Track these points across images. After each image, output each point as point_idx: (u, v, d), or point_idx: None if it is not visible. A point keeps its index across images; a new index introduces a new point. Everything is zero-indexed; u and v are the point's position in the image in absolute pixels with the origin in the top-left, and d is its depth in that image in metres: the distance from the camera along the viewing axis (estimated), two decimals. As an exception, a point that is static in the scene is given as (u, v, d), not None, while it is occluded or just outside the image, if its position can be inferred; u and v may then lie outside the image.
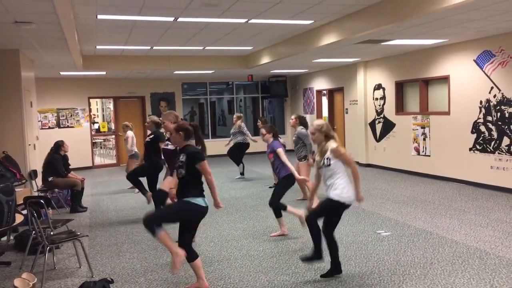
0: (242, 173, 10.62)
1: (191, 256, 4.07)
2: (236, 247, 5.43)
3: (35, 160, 8.79)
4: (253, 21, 7.01)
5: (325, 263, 4.51)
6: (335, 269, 4.35)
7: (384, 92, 11.27)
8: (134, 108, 14.62)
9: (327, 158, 4.23)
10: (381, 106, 11.41)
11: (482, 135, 8.43)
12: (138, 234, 6.18)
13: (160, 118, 7.11)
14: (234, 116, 10.70)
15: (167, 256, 5.20)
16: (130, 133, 9.97)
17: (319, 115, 14.53)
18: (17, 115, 7.74)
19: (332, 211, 4.29)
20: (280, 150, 5.63)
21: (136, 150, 10.02)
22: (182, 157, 4.02)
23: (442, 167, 9.44)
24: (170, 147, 5.61)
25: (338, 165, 4.23)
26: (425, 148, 9.91)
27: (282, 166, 5.59)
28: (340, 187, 4.20)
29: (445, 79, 9.33)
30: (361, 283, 4.19)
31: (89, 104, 14.14)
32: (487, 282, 4.08)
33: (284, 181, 5.62)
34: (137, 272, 4.73)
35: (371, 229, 6.00)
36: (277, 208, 5.63)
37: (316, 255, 4.40)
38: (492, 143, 8.23)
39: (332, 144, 4.25)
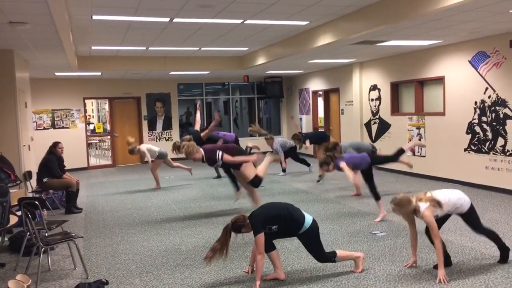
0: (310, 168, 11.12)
1: (270, 247, 4.27)
2: (232, 247, 5.41)
3: (30, 161, 8.76)
4: (248, 21, 7.01)
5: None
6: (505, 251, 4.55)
7: (379, 93, 11.30)
8: (129, 109, 14.59)
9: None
10: (376, 107, 11.44)
11: (477, 135, 8.46)
12: (134, 235, 6.17)
13: None
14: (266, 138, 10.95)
15: (162, 257, 5.19)
16: (142, 147, 9.74)
17: (315, 116, 14.56)
18: (12, 116, 7.70)
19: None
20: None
21: (158, 149, 9.85)
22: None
23: (437, 168, 9.47)
24: None
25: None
26: (420, 148, 9.94)
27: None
28: (454, 208, 4.34)
29: (440, 80, 9.37)
30: (357, 283, 4.19)
31: (84, 105, 14.10)
32: (482, 282, 4.09)
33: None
34: (133, 273, 4.71)
35: (366, 229, 6.01)
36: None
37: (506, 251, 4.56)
38: (487, 143, 8.27)
39: (421, 211, 4.23)
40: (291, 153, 10.87)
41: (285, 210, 4.31)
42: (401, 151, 6.64)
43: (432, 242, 4.41)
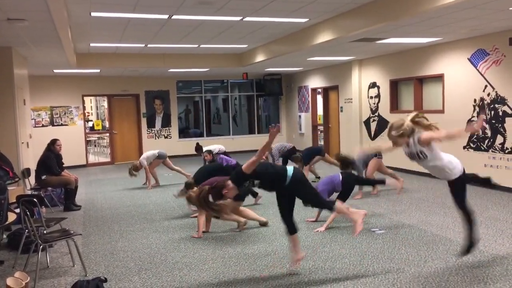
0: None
1: (293, 229, 4.36)
2: (231, 245, 5.42)
3: (28, 158, 8.74)
4: (248, 19, 6.99)
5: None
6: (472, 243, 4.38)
7: (378, 91, 11.29)
8: (128, 106, 14.57)
9: (420, 152, 4.13)
10: (375, 105, 11.43)
11: (476, 133, 8.46)
12: (132, 233, 6.16)
13: None
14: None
15: (161, 254, 5.19)
16: (142, 162, 9.55)
17: (314, 114, 14.54)
18: (10, 113, 7.68)
19: (465, 186, 4.35)
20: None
21: (157, 151, 9.80)
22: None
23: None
24: None
25: (434, 151, 4.15)
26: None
27: None
28: (452, 167, 4.20)
29: (439, 78, 9.36)
30: (356, 281, 4.19)
31: (83, 102, 14.08)
32: (480, 280, 4.10)
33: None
34: (131, 270, 4.71)
35: (365, 227, 5.99)
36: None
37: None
38: (486, 141, 8.27)
39: (416, 136, 4.07)
40: (291, 156, 10.73)
41: (266, 164, 4.41)
42: (381, 182, 6.33)
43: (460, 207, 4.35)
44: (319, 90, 14.29)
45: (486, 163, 8.28)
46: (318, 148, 10.93)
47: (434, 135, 4.04)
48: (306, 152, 9.87)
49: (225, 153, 9.82)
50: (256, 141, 14.90)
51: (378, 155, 7.90)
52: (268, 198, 7.88)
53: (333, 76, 13.20)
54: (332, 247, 5.19)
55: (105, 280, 4.27)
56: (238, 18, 6.98)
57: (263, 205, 7.40)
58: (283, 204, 4.35)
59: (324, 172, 9.85)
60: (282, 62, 11.56)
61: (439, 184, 8.81)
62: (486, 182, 4.73)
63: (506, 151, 7.88)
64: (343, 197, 5.98)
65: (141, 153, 11.85)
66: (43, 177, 7.70)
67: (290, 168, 4.30)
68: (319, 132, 14.56)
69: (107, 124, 15.93)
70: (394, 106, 10.83)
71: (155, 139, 14.69)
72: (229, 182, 4.14)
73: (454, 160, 4.32)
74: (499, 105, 7.97)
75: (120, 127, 14.47)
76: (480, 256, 4.73)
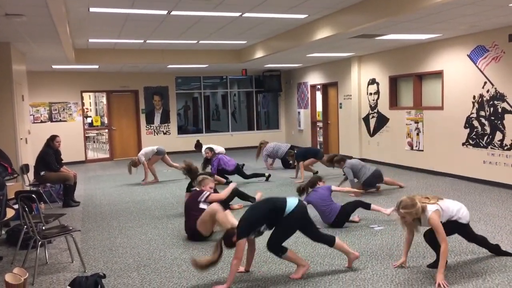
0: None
1: (282, 249, 4.25)
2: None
3: (27, 154, 8.73)
4: (247, 15, 6.98)
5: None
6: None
7: (378, 87, 11.28)
8: (127, 102, 14.55)
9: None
10: (375, 101, 11.43)
11: (475, 130, 8.46)
12: (131, 229, 6.16)
13: None
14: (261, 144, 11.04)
15: (160, 250, 5.19)
16: (140, 158, 9.55)
17: (313, 110, 14.53)
18: (9, 108, 7.67)
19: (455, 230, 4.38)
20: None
21: (156, 147, 9.82)
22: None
23: (435, 162, 9.48)
24: None
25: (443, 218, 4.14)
26: (419, 142, 9.94)
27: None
28: (456, 217, 4.21)
29: (438, 74, 9.35)
30: (355, 277, 4.20)
31: (82, 98, 14.06)
32: (479, 276, 4.10)
33: None
34: (130, 267, 4.71)
35: (364, 223, 6.02)
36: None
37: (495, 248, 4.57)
38: (485, 138, 8.27)
39: (428, 214, 4.03)
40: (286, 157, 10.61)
41: (267, 207, 4.26)
42: (366, 206, 6.21)
43: (431, 245, 4.33)
44: (318, 86, 14.28)
45: (485, 159, 8.28)
46: (316, 150, 10.41)
47: (438, 229, 3.98)
48: (303, 150, 9.84)
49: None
50: (255, 137, 14.89)
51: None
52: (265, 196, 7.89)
53: (332, 72, 13.18)
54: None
55: (104, 276, 4.27)
56: (237, 14, 6.96)
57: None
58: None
59: (322, 169, 9.85)
60: (281, 58, 11.54)
61: (439, 181, 8.83)
62: (495, 250, 4.64)
63: (505, 148, 7.89)
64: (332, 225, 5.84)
65: (140, 149, 11.84)
66: (42, 173, 7.69)
67: (292, 203, 4.18)
68: (318, 129, 14.55)
69: (106, 120, 15.91)
70: (394, 103, 10.83)
71: (154, 135, 14.67)
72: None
73: (461, 212, 4.26)
74: (498, 102, 7.96)
75: (119, 123, 14.45)
76: (479, 252, 4.74)
